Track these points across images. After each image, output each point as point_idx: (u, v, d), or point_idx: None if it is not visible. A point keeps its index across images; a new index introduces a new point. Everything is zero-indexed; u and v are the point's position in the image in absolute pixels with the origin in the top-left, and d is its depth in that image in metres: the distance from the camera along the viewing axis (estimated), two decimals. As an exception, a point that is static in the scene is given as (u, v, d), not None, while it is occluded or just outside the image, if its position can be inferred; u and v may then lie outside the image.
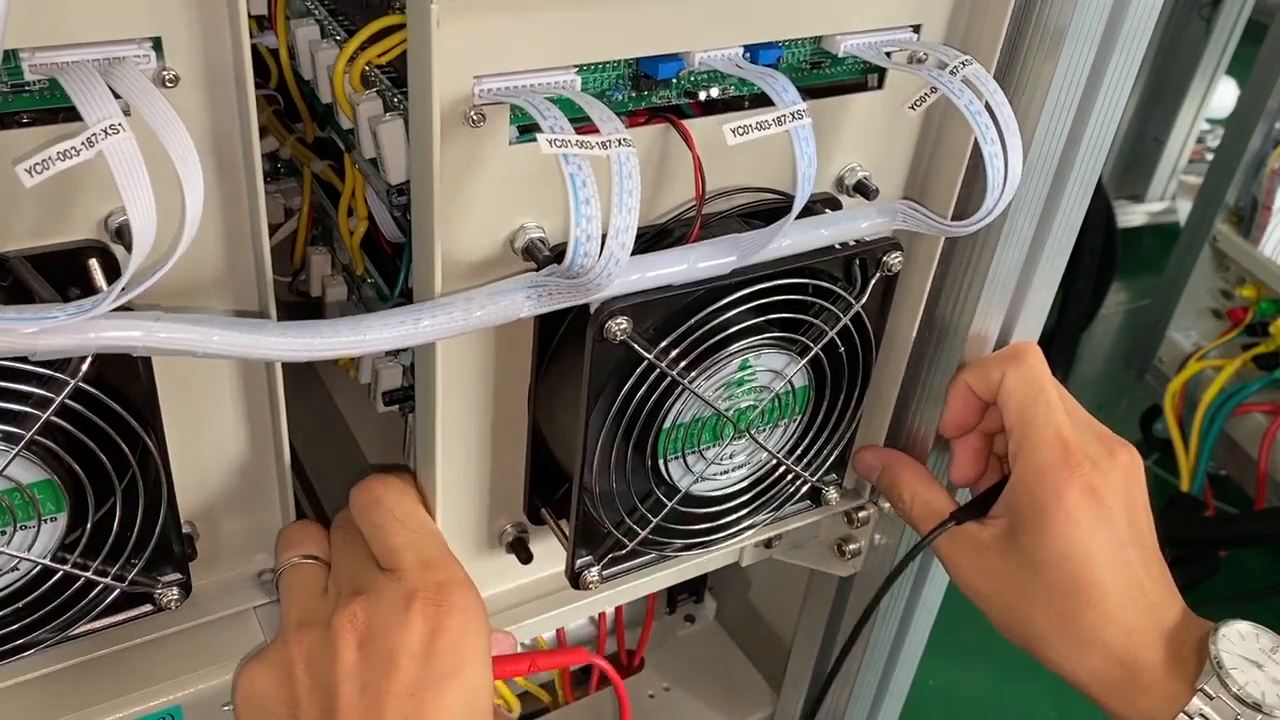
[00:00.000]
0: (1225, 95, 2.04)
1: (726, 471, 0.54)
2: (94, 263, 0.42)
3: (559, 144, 0.39)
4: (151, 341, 0.39)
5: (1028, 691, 1.33)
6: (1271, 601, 1.43)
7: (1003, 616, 0.56)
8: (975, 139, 0.47)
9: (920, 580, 0.74)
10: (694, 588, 0.97)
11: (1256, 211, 1.53)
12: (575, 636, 0.90)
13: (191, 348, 0.39)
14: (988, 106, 0.47)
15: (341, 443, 0.75)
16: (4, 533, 0.44)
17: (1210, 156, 1.81)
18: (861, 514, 0.68)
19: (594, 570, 0.53)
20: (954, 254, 0.59)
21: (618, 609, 0.89)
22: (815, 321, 0.51)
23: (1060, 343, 1.71)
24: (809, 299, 0.51)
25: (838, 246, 0.51)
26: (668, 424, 0.50)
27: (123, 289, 0.36)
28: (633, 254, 0.42)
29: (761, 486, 0.56)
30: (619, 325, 0.45)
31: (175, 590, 0.50)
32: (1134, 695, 0.53)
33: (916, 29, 0.51)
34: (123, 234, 0.42)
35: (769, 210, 0.51)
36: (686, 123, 0.47)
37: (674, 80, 0.47)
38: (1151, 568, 0.54)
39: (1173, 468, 1.57)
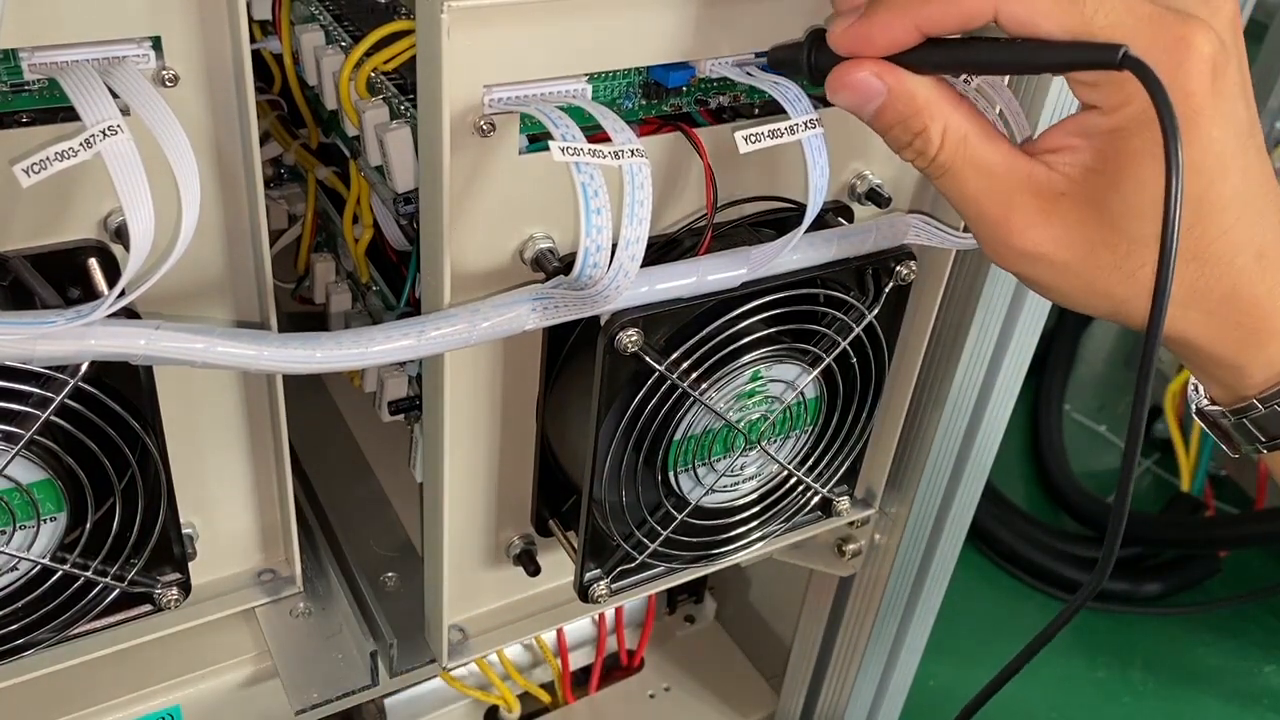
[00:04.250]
0: (1225, 94, 2.04)
1: (737, 483, 0.54)
2: (93, 262, 0.42)
3: (571, 152, 0.39)
4: (152, 351, 0.38)
5: (1028, 692, 1.33)
6: (1272, 602, 1.43)
7: (1083, 281, 0.40)
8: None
9: (920, 580, 0.74)
10: (694, 588, 0.97)
11: (1257, 211, 1.53)
12: (575, 636, 0.90)
13: (192, 358, 0.39)
14: (1002, 115, 0.47)
15: (343, 445, 0.74)
16: (4, 533, 0.44)
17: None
18: (862, 514, 0.67)
19: (603, 583, 0.53)
20: (955, 253, 0.59)
21: (618, 609, 0.89)
22: (827, 332, 0.51)
23: (1060, 343, 1.71)
24: (821, 309, 0.51)
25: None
26: (678, 436, 0.49)
27: (120, 293, 0.36)
28: (641, 265, 0.41)
29: (772, 498, 0.55)
30: (630, 337, 0.45)
31: (175, 590, 0.50)
32: (1264, 340, 0.40)
33: (929, 35, 0.50)
34: (122, 233, 0.42)
35: (780, 219, 0.51)
36: (697, 131, 0.47)
37: (684, 88, 0.47)
38: (1265, 159, 0.40)
39: (1173, 468, 1.57)
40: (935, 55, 0.38)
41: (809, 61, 0.41)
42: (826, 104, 0.46)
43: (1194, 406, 0.44)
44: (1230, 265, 0.38)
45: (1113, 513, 0.40)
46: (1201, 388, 0.44)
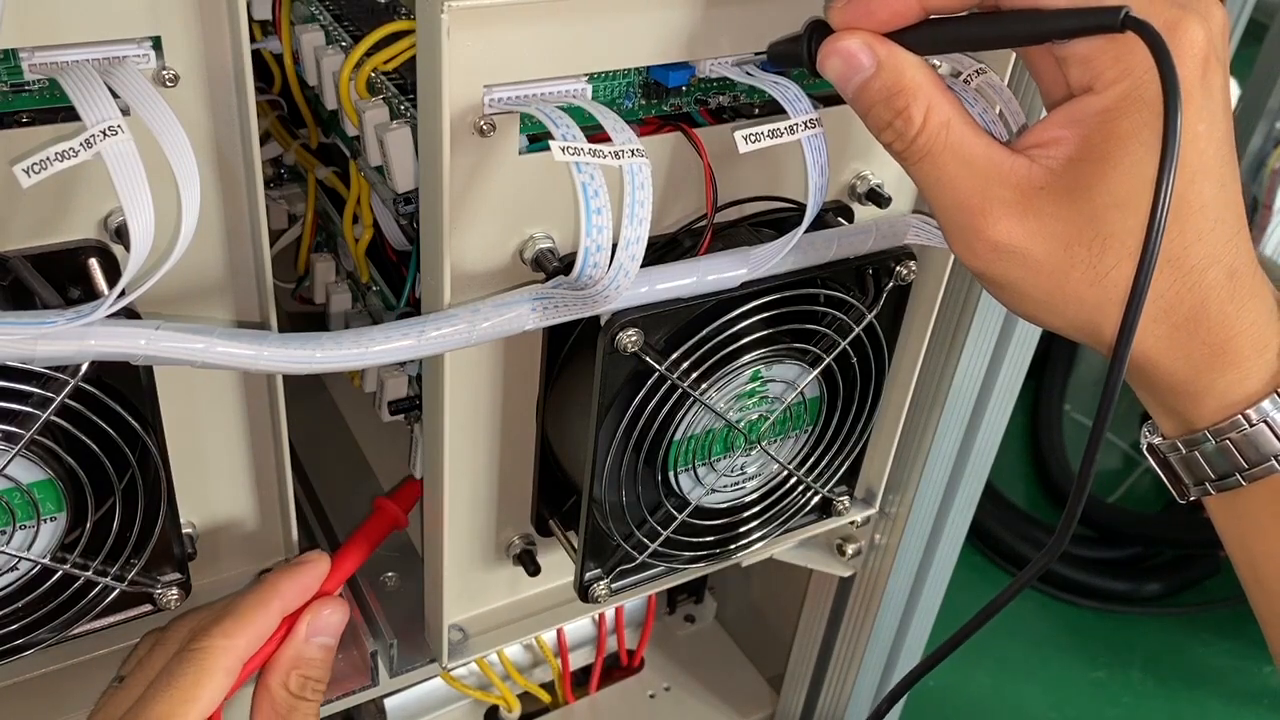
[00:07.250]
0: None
1: (737, 484, 0.54)
2: (94, 262, 0.42)
3: (571, 152, 0.39)
4: (152, 351, 0.38)
5: (1028, 691, 1.33)
6: (1272, 602, 1.43)
7: (1054, 282, 0.39)
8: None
9: (920, 580, 0.74)
10: (694, 588, 0.97)
11: (1257, 211, 1.53)
12: (576, 636, 0.90)
13: (192, 358, 0.39)
14: (1001, 115, 0.47)
15: (342, 444, 0.74)
16: (4, 532, 0.44)
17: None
18: (862, 514, 0.67)
19: (603, 583, 0.53)
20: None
21: (618, 609, 0.89)
22: (827, 332, 0.51)
23: (1060, 343, 1.71)
24: (821, 309, 0.51)
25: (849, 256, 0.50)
26: (678, 436, 0.49)
27: (120, 293, 0.36)
28: (641, 265, 0.41)
29: (772, 498, 0.55)
30: (630, 337, 0.45)
31: (175, 590, 0.50)
32: (1225, 365, 0.39)
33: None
34: (123, 233, 0.42)
35: (780, 219, 0.51)
36: (697, 131, 0.47)
37: (684, 88, 0.47)
38: (1239, 183, 0.39)
39: (1173, 468, 1.57)
40: (935, 32, 0.38)
41: (808, 49, 0.40)
42: (827, 104, 0.46)
43: (1145, 444, 0.44)
44: (1203, 276, 0.38)
45: (1077, 480, 0.39)
46: (1154, 427, 0.44)
